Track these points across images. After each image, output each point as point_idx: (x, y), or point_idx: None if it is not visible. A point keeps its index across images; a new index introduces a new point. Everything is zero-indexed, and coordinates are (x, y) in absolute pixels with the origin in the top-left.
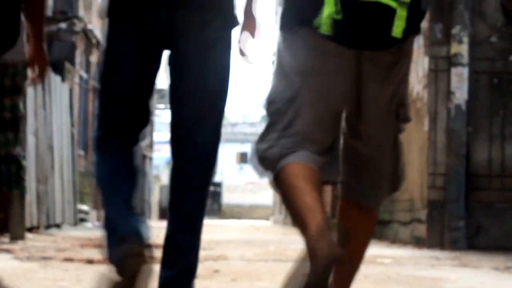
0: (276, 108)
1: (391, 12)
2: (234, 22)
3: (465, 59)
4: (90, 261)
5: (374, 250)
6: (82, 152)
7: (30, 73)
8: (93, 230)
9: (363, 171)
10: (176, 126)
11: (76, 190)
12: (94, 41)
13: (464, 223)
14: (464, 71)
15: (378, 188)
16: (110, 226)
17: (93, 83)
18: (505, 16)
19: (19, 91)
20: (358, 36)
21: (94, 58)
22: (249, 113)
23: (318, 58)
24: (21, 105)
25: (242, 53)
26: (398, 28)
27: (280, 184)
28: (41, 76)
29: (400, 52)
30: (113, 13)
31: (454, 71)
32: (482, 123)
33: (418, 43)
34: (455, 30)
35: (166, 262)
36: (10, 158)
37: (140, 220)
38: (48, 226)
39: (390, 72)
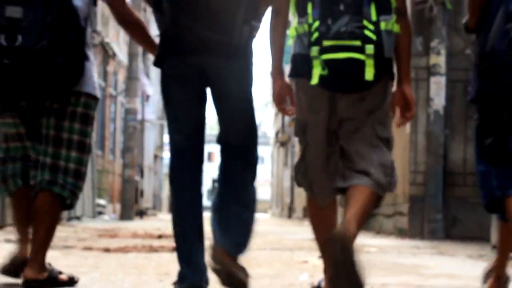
0: (300, 141)
1: (362, 62)
2: (251, 65)
3: (443, 69)
4: (107, 250)
5: (361, 240)
6: (99, 152)
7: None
8: (110, 222)
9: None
10: (221, 130)
11: (95, 186)
12: (110, 52)
13: (442, 215)
14: (442, 80)
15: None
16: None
17: (110, 90)
18: (466, 31)
19: (89, 120)
20: (342, 85)
21: (111, 68)
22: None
23: (312, 97)
24: (90, 133)
25: (281, 109)
26: (369, 74)
27: (310, 210)
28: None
29: (371, 91)
30: (159, 64)
31: (433, 80)
32: (458, 126)
33: None
34: (434, 43)
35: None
36: (67, 170)
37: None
38: (69, 218)
39: (361, 102)
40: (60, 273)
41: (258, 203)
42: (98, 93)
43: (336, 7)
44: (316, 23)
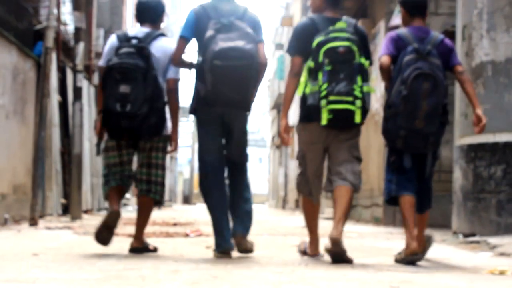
0: (300, 163)
1: (353, 112)
2: (250, 112)
3: None
4: (130, 235)
5: (344, 227)
6: None
7: (169, 147)
8: (133, 212)
9: (334, 177)
10: (229, 152)
11: None
12: None
13: None
14: None
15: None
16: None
17: None
18: (385, 90)
19: (165, 150)
20: (341, 124)
21: None
22: (250, 124)
23: (312, 136)
24: (165, 158)
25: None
26: (357, 119)
27: (304, 206)
28: (174, 149)
29: (354, 128)
30: (195, 113)
31: None
32: None
33: (376, 72)
34: None
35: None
36: (157, 182)
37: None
38: (99, 209)
39: (345, 133)
40: (149, 244)
41: (257, 197)
42: (168, 132)
43: (338, 76)
44: (325, 85)
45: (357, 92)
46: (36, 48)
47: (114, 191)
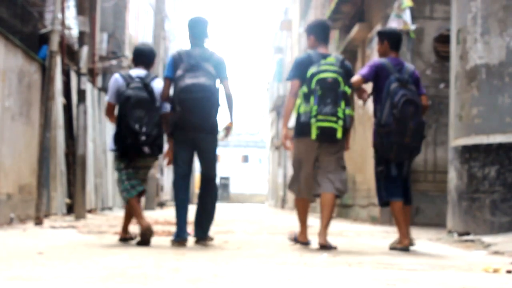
0: (295, 168)
1: (336, 129)
2: (217, 135)
3: None
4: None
5: (341, 226)
6: None
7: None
8: None
9: (323, 182)
10: (201, 168)
11: None
12: None
13: None
14: None
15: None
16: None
17: None
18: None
19: (151, 167)
20: (326, 139)
21: None
22: (250, 125)
23: (307, 147)
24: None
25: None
26: (339, 135)
27: (297, 204)
28: (169, 163)
29: (338, 142)
30: (174, 135)
31: None
32: None
33: None
34: None
35: (198, 222)
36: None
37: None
38: (102, 209)
39: (333, 147)
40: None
41: (256, 197)
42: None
43: (326, 100)
44: (315, 107)
45: (340, 114)
46: (41, 51)
47: (135, 204)
